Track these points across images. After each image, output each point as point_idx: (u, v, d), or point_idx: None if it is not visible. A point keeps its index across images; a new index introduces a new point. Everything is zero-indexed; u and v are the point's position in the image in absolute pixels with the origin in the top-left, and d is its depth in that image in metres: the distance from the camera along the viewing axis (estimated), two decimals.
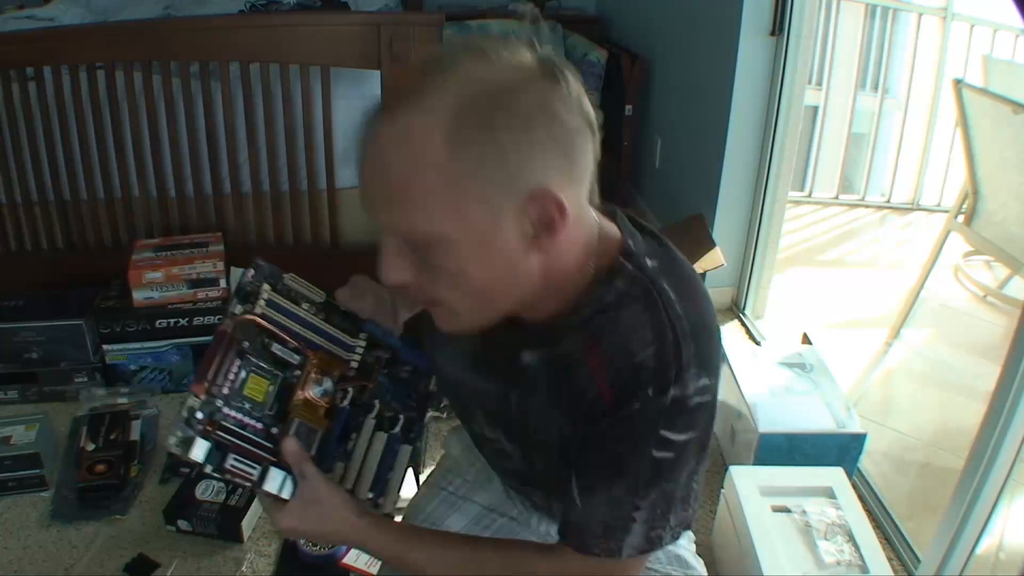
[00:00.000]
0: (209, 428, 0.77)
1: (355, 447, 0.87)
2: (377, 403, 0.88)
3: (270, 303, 0.84)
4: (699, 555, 1.05)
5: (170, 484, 1.91)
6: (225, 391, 0.79)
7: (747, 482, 1.66)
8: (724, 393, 2.12)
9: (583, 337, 0.74)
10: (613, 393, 0.72)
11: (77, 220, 2.49)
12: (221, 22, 2.59)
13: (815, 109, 3.85)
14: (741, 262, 2.74)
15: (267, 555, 1.74)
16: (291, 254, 2.50)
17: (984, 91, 2.44)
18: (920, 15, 3.76)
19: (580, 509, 0.77)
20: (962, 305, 2.98)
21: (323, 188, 2.49)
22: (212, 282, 2.22)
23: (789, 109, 2.46)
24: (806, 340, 2.32)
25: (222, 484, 1.82)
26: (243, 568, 1.71)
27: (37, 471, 1.89)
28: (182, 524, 1.77)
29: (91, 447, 1.96)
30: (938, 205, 3.77)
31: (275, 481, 0.80)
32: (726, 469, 1.74)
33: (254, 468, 0.79)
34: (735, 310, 2.80)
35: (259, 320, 0.82)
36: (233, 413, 0.79)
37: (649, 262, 0.74)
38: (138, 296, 2.19)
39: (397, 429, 0.89)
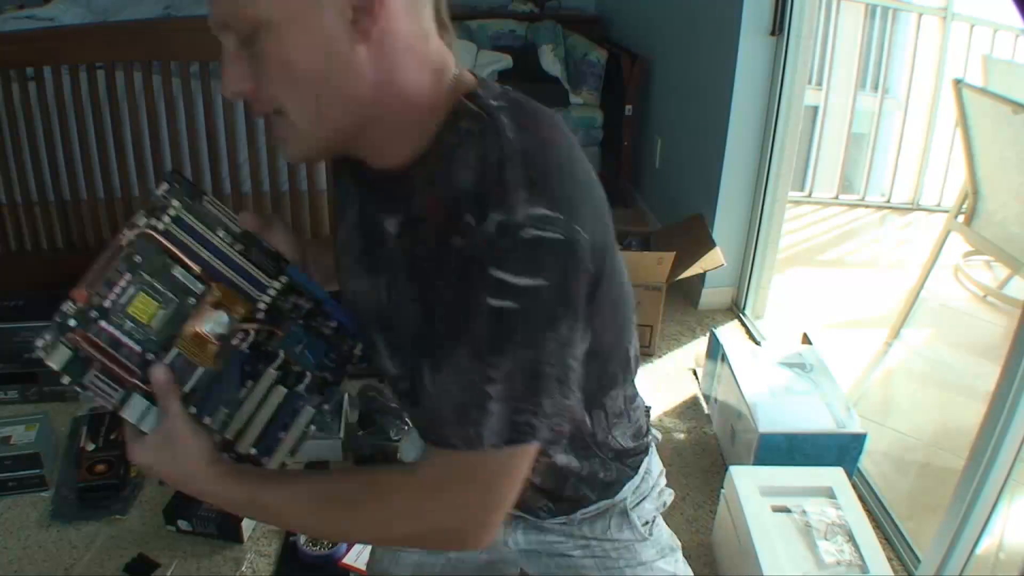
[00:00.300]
0: (79, 338, 0.72)
1: (248, 396, 0.79)
2: (282, 353, 0.80)
3: (177, 221, 0.76)
4: (698, 555, 1.04)
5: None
6: (106, 304, 0.73)
7: (747, 482, 1.66)
8: (724, 393, 2.12)
9: (426, 185, 0.68)
10: (442, 233, 0.65)
11: (77, 220, 2.49)
12: None
13: (815, 109, 3.85)
14: (741, 262, 2.74)
15: (267, 555, 1.75)
16: None
17: (984, 91, 2.44)
18: (920, 15, 3.76)
19: (432, 394, 0.68)
20: (962, 305, 2.98)
21: (323, 188, 2.49)
22: None
23: (789, 109, 2.46)
24: (806, 340, 2.32)
25: None
26: (243, 568, 1.71)
27: (37, 471, 1.89)
28: (182, 524, 1.77)
29: (91, 447, 1.96)
30: (938, 205, 3.78)
31: (135, 410, 0.75)
32: (726, 469, 1.74)
33: (116, 391, 0.74)
34: (735, 310, 2.80)
35: (158, 236, 0.75)
36: (110, 328, 0.73)
37: (494, 102, 0.69)
38: None
39: (302, 387, 0.81)
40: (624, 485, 0.92)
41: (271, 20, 0.63)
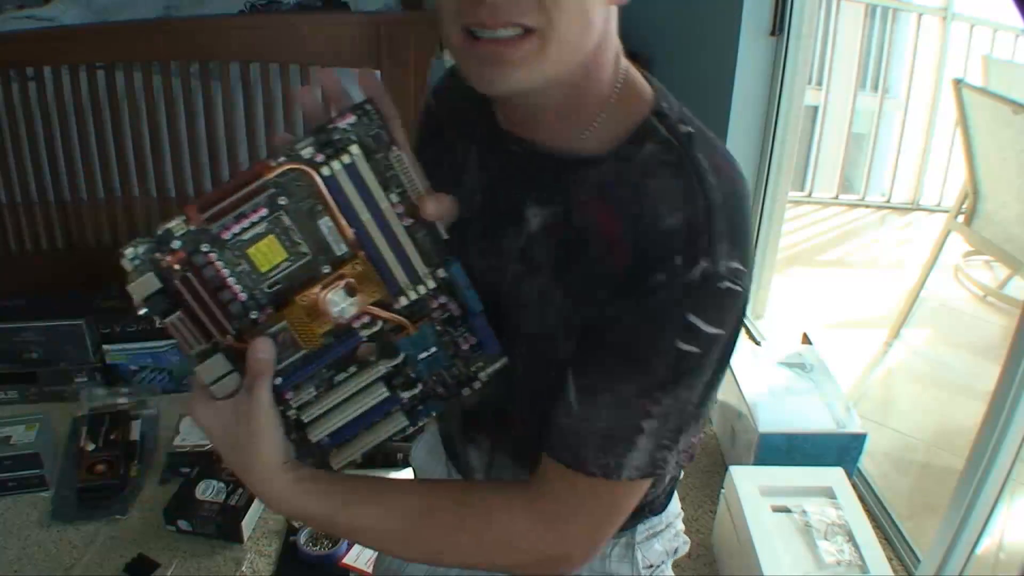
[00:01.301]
0: (176, 266, 0.58)
1: (343, 382, 0.67)
2: (402, 355, 0.66)
3: (350, 169, 0.59)
4: (698, 555, 1.03)
5: (170, 484, 1.91)
6: (225, 236, 0.59)
7: (747, 482, 1.66)
8: (724, 393, 2.12)
9: (598, 198, 0.65)
10: (634, 265, 0.62)
11: (77, 220, 2.49)
12: (221, 22, 2.58)
13: (815, 109, 3.84)
14: None
15: (267, 555, 1.75)
16: None
17: (984, 91, 2.44)
18: (920, 15, 3.76)
19: (578, 415, 0.65)
20: (962, 305, 2.98)
21: None
22: None
23: (789, 109, 2.46)
24: (806, 340, 2.32)
25: (222, 484, 1.82)
26: (243, 568, 1.71)
27: (37, 471, 1.89)
28: (182, 524, 1.77)
29: (91, 447, 1.96)
30: (938, 205, 3.77)
31: (214, 369, 0.62)
32: (726, 469, 1.74)
33: (199, 342, 0.61)
34: None
35: (319, 181, 0.59)
36: (218, 263, 0.59)
37: (683, 128, 0.67)
38: None
39: (406, 395, 0.69)
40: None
41: None
